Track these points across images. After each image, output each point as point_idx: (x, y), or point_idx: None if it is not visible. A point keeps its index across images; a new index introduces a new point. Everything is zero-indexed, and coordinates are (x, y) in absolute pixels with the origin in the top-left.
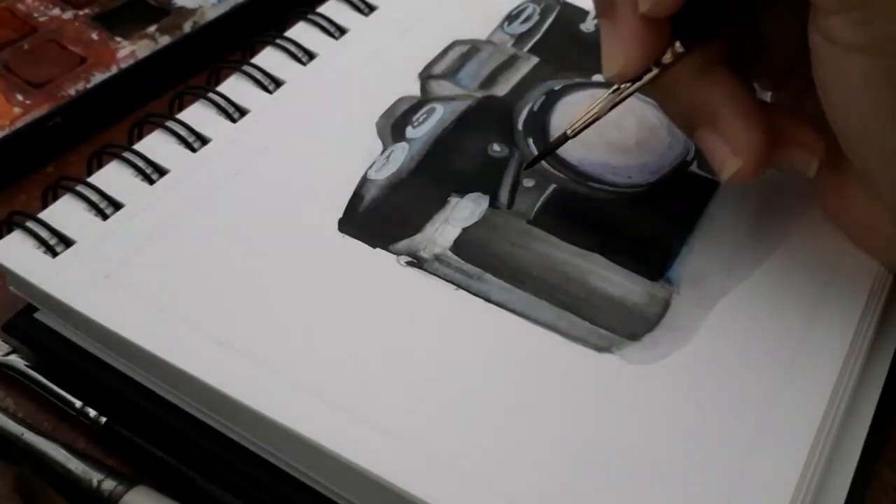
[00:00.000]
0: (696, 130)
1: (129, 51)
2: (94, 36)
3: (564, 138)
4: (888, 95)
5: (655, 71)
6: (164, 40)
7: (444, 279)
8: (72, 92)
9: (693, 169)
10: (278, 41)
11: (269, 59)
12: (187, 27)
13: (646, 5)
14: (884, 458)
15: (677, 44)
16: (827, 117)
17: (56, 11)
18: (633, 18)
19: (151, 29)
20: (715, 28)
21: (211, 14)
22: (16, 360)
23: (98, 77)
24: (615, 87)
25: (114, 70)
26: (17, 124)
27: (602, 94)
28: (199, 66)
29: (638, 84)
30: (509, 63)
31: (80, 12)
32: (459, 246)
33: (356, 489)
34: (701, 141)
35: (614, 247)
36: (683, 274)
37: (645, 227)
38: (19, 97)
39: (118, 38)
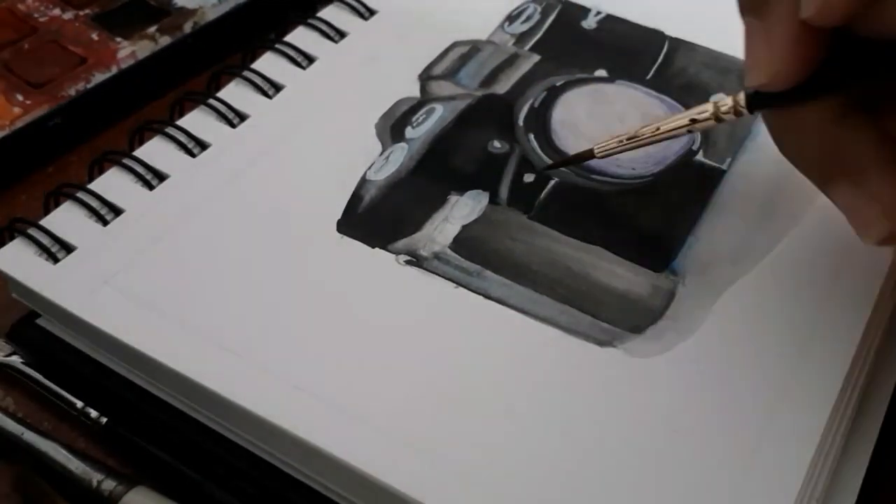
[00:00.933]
0: (831, 183)
1: (130, 51)
2: (94, 36)
3: (590, 154)
4: None
5: (710, 118)
6: (165, 41)
7: (443, 277)
8: (72, 92)
9: (699, 158)
10: (278, 46)
11: (268, 64)
12: (188, 27)
13: (811, 9)
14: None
15: (741, 96)
16: None
17: (56, 11)
18: (789, 18)
19: (151, 29)
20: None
21: (211, 14)
22: (16, 361)
23: (98, 77)
24: (656, 126)
25: (114, 70)
26: (17, 124)
27: (604, 89)
28: (199, 66)
29: (676, 129)
30: (510, 61)
31: (81, 12)
32: (459, 243)
33: (355, 489)
34: (840, 197)
35: (618, 239)
36: (689, 264)
37: (649, 219)
38: (19, 97)
39: (118, 39)
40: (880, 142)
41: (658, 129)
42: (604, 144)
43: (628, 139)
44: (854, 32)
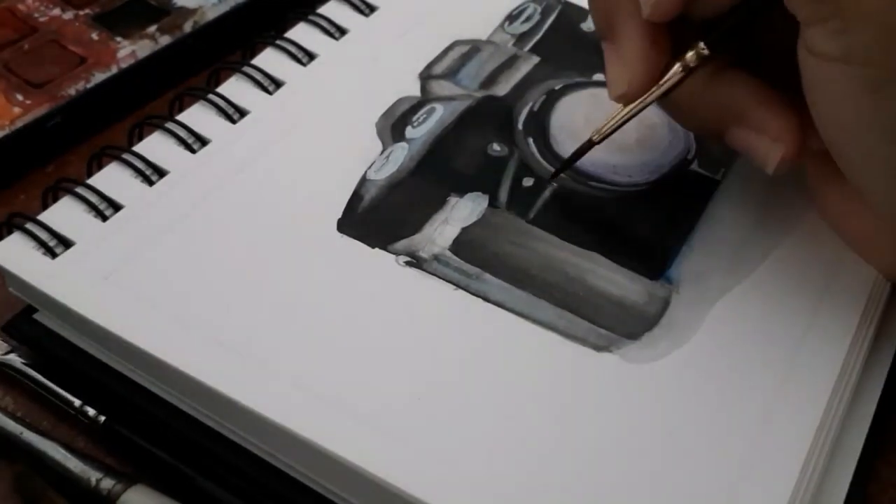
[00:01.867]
0: (725, 133)
1: (130, 51)
2: (94, 36)
3: (590, 144)
4: (868, 105)
5: (681, 73)
6: (165, 40)
7: (442, 279)
8: (72, 92)
9: (694, 167)
10: (278, 42)
11: (269, 60)
12: (188, 27)
13: (647, 9)
14: (884, 456)
15: (700, 45)
16: (817, 128)
17: (56, 11)
18: (633, 38)
19: (151, 29)
20: (736, 33)
21: (211, 14)
22: (15, 360)
23: (98, 77)
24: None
25: (114, 70)
26: (17, 124)
27: (602, 93)
28: (199, 66)
29: (664, 87)
30: (510, 63)
31: (81, 12)
32: (458, 245)
33: (355, 489)
34: (735, 140)
35: (614, 246)
36: (684, 273)
37: (645, 226)
38: (19, 97)
39: (118, 38)
40: (752, 87)
41: (643, 99)
42: (599, 129)
43: (620, 116)
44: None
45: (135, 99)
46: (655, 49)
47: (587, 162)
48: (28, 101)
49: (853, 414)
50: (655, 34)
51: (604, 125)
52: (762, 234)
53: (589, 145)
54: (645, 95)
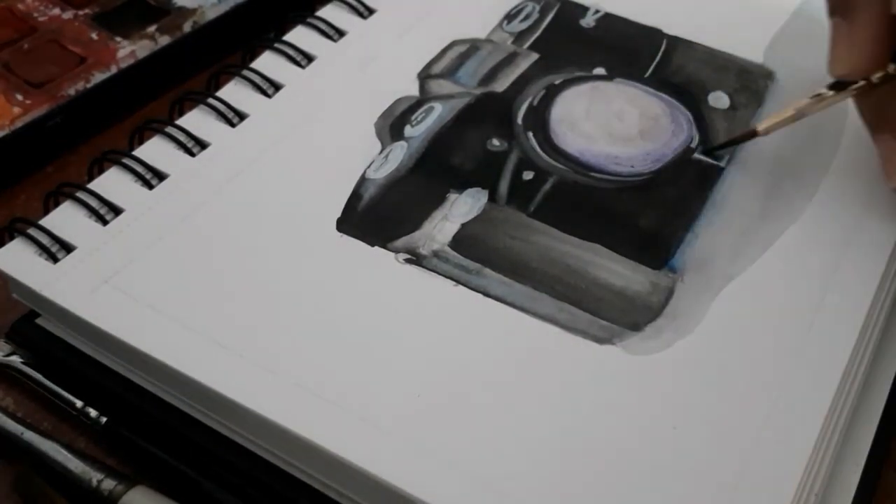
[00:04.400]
0: (877, 132)
1: (129, 51)
2: (94, 36)
3: (753, 134)
4: None
5: (863, 83)
6: (164, 40)
7: (442, 275)
8: (72, 92)
9: (697, 155)
10: (277, 45)
11: (267, 63)
12: (187, 27)
13: None
14: (891, 458)
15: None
16: None
17: (56, 11)
18: (871, 23)
19: (151, 29)
20: None
21: (211, 14)
22: (16, 361)
23: (98, 77)
24: (817, 93)
25: (114, 70)
26: (17, 124)
27: (603, 87)
28: (199, 65)
29: (844, 95)
30: (509, 60)
31: (80, 12)
32: (458, 241)
33: (356, 488)
34: (880, 144)
35: (617, 236)
36: (688, 261)
37: (648, 216)
38: (19, 97)
39: (118, 38)
40: None
41: (821, 98)
42: (766, 123)
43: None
44: None
45: (135, 99)
46: (889, 40)
47: (588, 153)
48: (28, 101)
49: (863, 402)
50: (893, 24)
51: (777, 117)
52: (767, 220)
53: (752, 134)
54: (822, 99)
